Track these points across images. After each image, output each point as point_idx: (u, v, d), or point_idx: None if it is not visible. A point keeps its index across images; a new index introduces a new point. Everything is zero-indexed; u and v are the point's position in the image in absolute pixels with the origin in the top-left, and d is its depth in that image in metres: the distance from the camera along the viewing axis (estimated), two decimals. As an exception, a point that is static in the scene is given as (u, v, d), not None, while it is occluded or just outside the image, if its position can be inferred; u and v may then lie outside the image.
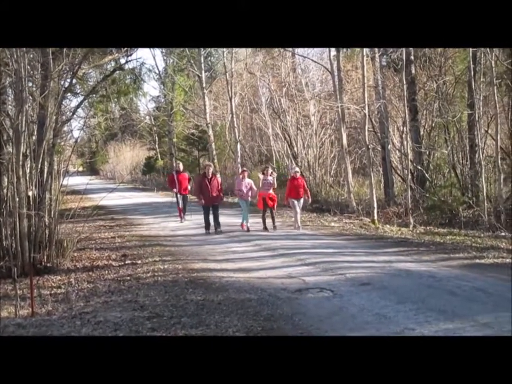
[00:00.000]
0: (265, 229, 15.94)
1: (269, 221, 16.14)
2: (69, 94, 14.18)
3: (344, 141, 21.21)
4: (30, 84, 12.18)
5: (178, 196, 19.57)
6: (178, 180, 19.45)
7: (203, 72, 32.00)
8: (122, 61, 17.65)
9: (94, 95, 21.23)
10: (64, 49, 11.36)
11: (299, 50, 29.21)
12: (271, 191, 16.13)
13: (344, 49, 26.96)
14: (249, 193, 16.34)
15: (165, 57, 44.29)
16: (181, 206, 19.45)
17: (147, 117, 52.84)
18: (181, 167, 20.72)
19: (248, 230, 15.95)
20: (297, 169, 17.49)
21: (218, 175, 17.85)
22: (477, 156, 19.02)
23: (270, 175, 16.36)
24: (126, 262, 11.91)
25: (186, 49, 34.18)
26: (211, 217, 16.03)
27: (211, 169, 16.29)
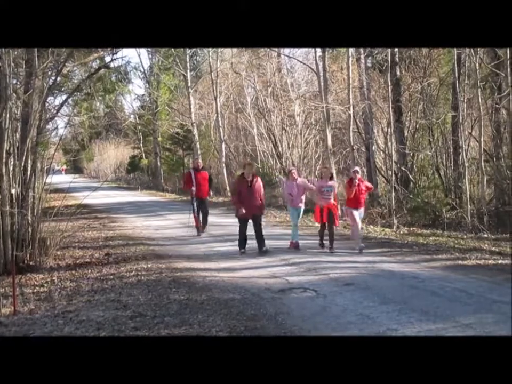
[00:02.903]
0: (322, 245, 12.59)
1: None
2: (53, 91, 14.09)
3: (329, 142, 21.25)
4: (14, 81, 12.10)
5: (195, 200, 15.67)
6: (197, 180, 15.60)
7: (188, 71, 31.98)
8: (108, 59, 17.59)
9: (79, 93, 21.17)
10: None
11: (285, 51, 29.33)
12: (331, 201, 12.51)
13: (330, 50, 27.09)
14: (303, 198, 13.01)
15: (151, 56, 44.28)
16: (197, 213, 15.73)
17: (132, 116, 52.79)
18: (200, 164, 16.51)
19: (297, 248, 12.58)
20: (357, 169, 12.88)
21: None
22: (460, 157, 19.15)
23: (331, 180, 12.89)
24: (109, 261, 11.87)
25: (173, 48, 34.17)
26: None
27: (250, 170, 12.54)
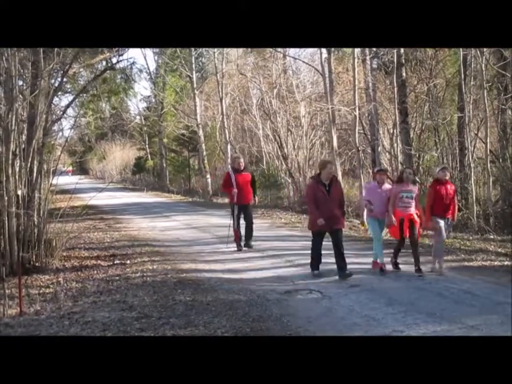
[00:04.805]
0: (396, 265, 10.20)
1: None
2: (59, 93, 14.12)
3: (335, 143, 21.21)
4: (20, 83, 12.12)
5: (236, 207, 12.79)
6: (238, 183, 12.65)
7: (194, 72, 31.99)
8: (114, 60, 17.62)
9: (85, 94, 21.21)
10: (55, 48, 11.32)
11: (290, 52, 29.30)
12: (412, 210, 9.94)
13: (336, 52, 27.05)
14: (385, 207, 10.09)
15: (156, 58, 44.35)
16: (237, 223, 12.90)
17: (137, 117, 52.85)
18: (242, 163, 13.03)
19: (383, 271, 9.98)
20: (446, 166, 10.40)
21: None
22: (466, 158, 19.06)
23: (412, 183, 10.27)
24: (115, 262, 11.88)
25: (178, 49, 34.21)
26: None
27: (332, 170, 10.18)
